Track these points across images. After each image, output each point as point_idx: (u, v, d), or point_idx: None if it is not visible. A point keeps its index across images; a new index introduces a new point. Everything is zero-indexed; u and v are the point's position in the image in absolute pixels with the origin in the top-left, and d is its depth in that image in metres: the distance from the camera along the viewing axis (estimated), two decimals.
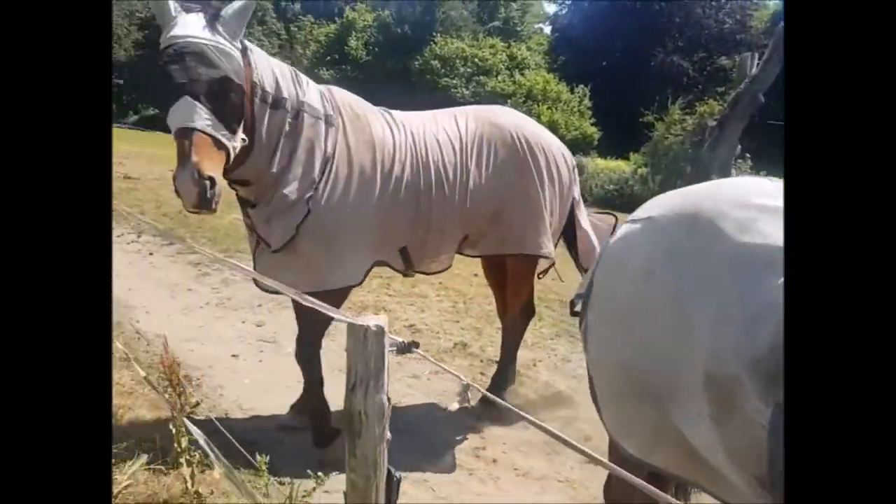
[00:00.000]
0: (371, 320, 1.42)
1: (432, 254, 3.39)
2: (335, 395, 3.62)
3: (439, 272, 3.62)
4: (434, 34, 37.78)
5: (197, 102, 2.49)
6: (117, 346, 3.76)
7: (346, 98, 3.17)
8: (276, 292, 2.79)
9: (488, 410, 3.70)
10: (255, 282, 3.02)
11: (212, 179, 2.48)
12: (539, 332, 5.13)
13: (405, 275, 3.47)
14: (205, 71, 2.52)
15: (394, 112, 3.35)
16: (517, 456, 3.37)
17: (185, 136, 2.49)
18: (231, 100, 2.59)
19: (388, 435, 1.51)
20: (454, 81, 34.91)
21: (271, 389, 3.81)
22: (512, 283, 3.82)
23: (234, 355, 4.37)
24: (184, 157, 2.47)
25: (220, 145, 2.55)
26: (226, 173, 2.73)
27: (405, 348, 1.53)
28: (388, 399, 1.46)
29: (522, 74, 34.85)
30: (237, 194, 3.06)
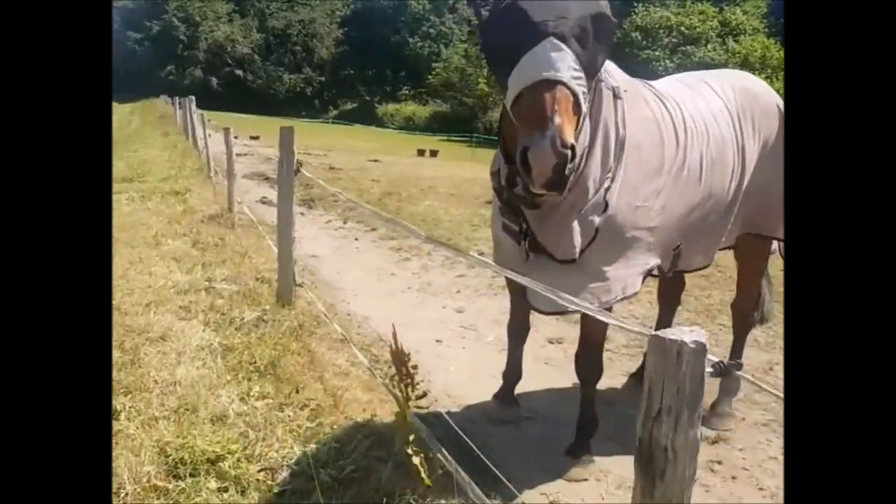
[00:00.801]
0: (686, 334, 1.08)
1: (697, 250, 2.84)
2: (534, 386, 3.43)
3: (697, 270, 3.06)
4: (635, 4, 35.72)
5: (563, 45, 1.91)
6: (335, 327, 3.90)
7: (615, 69, 2.52)
8: (560, 313, 2.37)
9: (713, 417, 3.22)
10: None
11: (573, 150, 1.88)
12: (774, 329, 4.42)
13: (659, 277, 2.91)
14: (574, 5, 1.95)
15: (652, 83, 2.81)
16: (760, 473, 2.89)
17: (546, 89, 1.88)
18: (601, 47, 2.01)
19: (697, 476, 1.22)
20: (657, 53, 32.74)
21: (476, 377, 3.70)
22: (745, 268, 3.30)
23: (437, 341, 4.34)
24: (543, 117, 1.86)
25: (578, 108, 1.96)
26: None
27: (724, 370, 1.15)
28: (701, 434, 1.17)
29: (737, 41, 31.76)
30: (508, 192, 2.36)
